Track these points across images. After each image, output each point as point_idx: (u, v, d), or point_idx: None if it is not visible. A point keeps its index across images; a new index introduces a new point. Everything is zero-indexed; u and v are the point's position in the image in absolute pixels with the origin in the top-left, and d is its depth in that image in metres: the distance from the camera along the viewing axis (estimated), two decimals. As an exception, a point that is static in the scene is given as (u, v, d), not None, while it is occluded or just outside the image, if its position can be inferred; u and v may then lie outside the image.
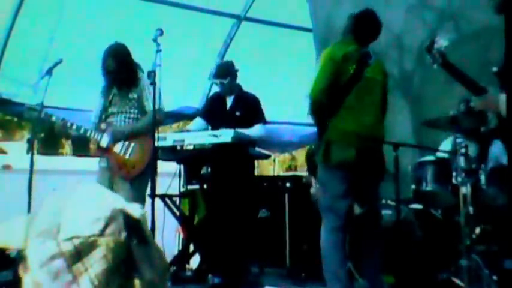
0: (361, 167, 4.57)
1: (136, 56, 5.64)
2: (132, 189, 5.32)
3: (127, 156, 5.44)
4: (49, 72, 5.42)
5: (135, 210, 1.56)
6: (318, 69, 4.62)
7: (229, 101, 6.47)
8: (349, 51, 4.62)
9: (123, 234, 1.38)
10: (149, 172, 5.06)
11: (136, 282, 1.36)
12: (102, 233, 1.35)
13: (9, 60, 7.43)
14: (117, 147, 5.48)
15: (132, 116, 5.58)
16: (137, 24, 7.85)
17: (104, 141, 5.48)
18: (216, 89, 6.76)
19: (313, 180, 6.48)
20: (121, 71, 5.54)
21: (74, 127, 5.46)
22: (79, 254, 1.32)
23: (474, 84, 4.03)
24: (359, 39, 4.77)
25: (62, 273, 1.32)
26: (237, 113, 6.34)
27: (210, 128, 6.37)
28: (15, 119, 15.43)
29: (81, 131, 5.49)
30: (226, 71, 6.46)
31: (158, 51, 4.87)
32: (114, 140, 5.46)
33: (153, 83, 4.89)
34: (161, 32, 4.92)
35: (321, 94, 4.53)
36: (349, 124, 4.57)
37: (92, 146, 5.66)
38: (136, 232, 1.41)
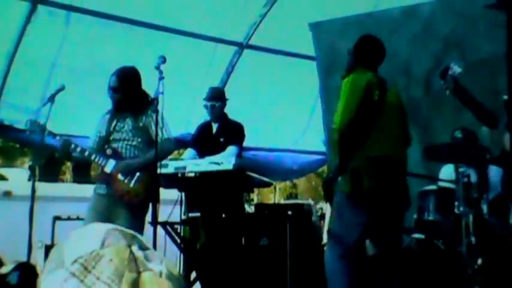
0: (387, 196, 4.56)
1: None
2: (132, 217, 5.18)
3: (131, 185, 5.31)
4: (51, 99, 5.42)
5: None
6: (343, 101, 4.56)
7: (214, 127, 6.59)
8: (370, 79, 4.63)
9: (123, 242, 1.50)
10: (150, 200, 5.04)
11: (148, 275, 1.46)
12: (101, 247, 1.48)
13: (11, 86, 7.43)
14: (121, 174, 5.35)
15: (134, 144, 5.43)
16: (139, 51, 7.86)
17: (109, 167, 5.34)
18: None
19: (313, 208, 6.45)
20: (130, 96, 5.43)
21: (78, 149, 5.33)
22: (86, 268, 1.43)
23: (487, 114, 3.94)
24: (369, 66, 4.77)
25: None
26: (221, 140, 6.43)
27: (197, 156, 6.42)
28: (17, 145, 15.47)
29: (86, 153, 5.35)
30: (219, 95, 6.63)
31: (161, 78, 4.88)
32: (125, 174, 5.33)
33: (156, 111, 4.89)
34: (163, 60, 4.93)
35: (350, 126, 4.48)
36: (376, 151, 4.57)
37: (94, 171, 5.59)
38: (135, 240, 1.54)
